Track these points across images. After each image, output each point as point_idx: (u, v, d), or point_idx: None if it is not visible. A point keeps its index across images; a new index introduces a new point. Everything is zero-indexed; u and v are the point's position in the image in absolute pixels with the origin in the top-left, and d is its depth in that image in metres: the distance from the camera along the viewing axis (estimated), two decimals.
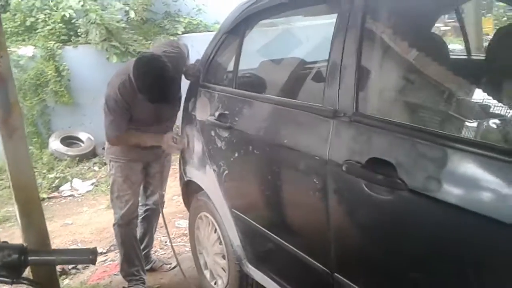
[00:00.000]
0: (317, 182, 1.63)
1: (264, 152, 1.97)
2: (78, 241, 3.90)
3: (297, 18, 1.86)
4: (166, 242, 3.70)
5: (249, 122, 2.06)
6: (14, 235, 3.49)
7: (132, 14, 6.00)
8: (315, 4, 1.87)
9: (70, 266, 3.40)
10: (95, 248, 1.05)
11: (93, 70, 5.63)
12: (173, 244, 3.17)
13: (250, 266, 2.26)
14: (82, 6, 5.49)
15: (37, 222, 2.59)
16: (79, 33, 5.86)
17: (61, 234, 4.03)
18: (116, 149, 2.74)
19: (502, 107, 1.39)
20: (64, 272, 3.29)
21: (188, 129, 2.63)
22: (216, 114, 2.29)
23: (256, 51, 2.34)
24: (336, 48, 1.61)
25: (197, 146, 2.52)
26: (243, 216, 2.19)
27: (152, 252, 3.36)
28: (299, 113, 1.79)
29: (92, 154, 5.84)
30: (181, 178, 2.87)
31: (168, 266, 3.24)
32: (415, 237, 1.34)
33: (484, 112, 1.45)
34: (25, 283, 1.07)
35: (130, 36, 5.80)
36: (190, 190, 2.79)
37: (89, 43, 5.81)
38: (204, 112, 2.42)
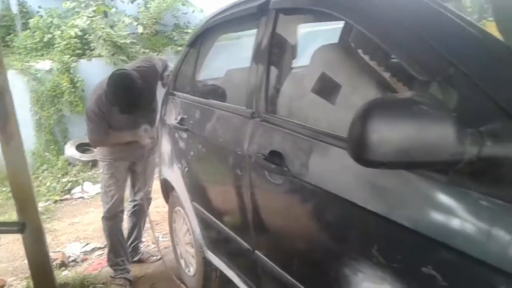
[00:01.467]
0: (239, 173, 1.92)
1: (208, 150, 2.28)
2: (81, 237, 4.28)
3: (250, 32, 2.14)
4: (158, 237, 4.04)
5: (199, 124, 2.37)
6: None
7: (140, 29, 6.41)
8: (247, 23, 2.17)
9: (70, 259, 3.79)
10: (24, 222, 1.37)
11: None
12: (165, 239, 3.49)
13: (208, 251, 2.55)
14: (89, 24, 5.93)
15: (33, 223, 2.95)
16: (92, 47, 6.33)
17: (67, 232, 4.43)
18: (103, 150, 3.09)
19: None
20: (64, 264, 3.66)
21: (163, 132, 2.96)
22: (178, 118, 2.61)
23: (210, 62, 2.66)
24: (254, 59, 1.91)
25: (167, 147, 2.85)
26: (199, 207, 2.49)
27: (143, 246, 3.70)
28: (230, 115, 2.08)
29: None
30: (159, 177, 3.19)
31: (154, 257, 3.56)
32: (300, 215, 1.61)
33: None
34: None
35: (138, 49, 6.21)
36: (167, 187, 3.11)
37: (102, 56, 6.27)
38: (171, 116, 2.75)
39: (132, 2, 6.85)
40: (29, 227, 2.88)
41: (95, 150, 3.35)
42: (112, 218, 3.15)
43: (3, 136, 2.80)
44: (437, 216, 1.06)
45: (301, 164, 1.53)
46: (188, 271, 2.99)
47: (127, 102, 2.72)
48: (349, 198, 1.32)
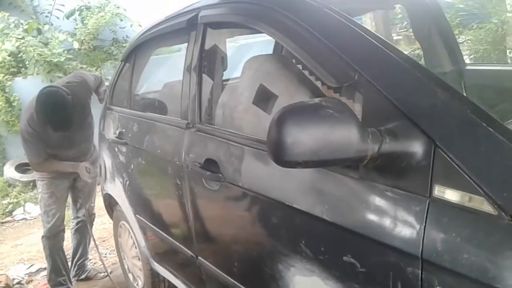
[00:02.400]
0: (179, 182, 1.97)
1: (148, 162, 2.32)
2: (25, 259, 4.15)
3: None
4: (106, 254, 4.00)
5: (138, 138, 2.40)
6: None
7: (76, 45, 6.31)
8: (178, 37, 2.24)
9: (15, 281, 3.68)
10: None
11: None
12: (113, 255, 3.45)
13: (154, 263, 2.58)
14: (18, 47, 5.78)
15: None
16: (26, 65, 6.15)
17: (10, 255, 4.29)
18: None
19: None
20: (8, 287, 3.55)
21: (101, 147, 2.95)
22: (117, 132, 2.62)
23: (147, 75, 2.70)
24: (186, 72, 1.98)
25: (108, 161, 2.85)
26: (142, 219, 2.51)
27: (90, 263, 3.65)
28: (167, 127, 2.13)
29: None
30: (101, 192, 3.18)
31: (102, 274, 3.52)
32: (236, 219, 1.69)
33: None
34: None
35: (75, 65, 6.10)
36: (110, 202, 3.10)
37: (38, 74, 6.11)
38: (109, 131, 2.76)
39: (67, 18, 6.73)
40: None
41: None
42: (53, 237, 3.11)
43: None
44: (352, 209, 1.17)
45: (234, 169, 1.61)
46: (137, 284, 2.99)
47: (59, 119, 2.69)
48: (277, 199, 1.42)
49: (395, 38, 12.37)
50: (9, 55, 6.10)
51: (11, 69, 6.19)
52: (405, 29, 11.99)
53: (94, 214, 3.44)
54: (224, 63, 1.94)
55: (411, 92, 1.11)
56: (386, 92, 1.12)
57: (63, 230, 3.16)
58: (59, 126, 2.73)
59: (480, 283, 0.88)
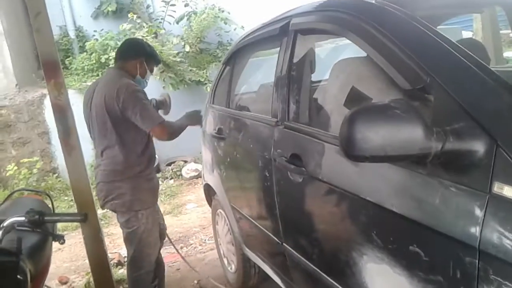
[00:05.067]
0: (267, 175, 2.17)
1: (241, 156, 2.55)
2: None
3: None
4: (205, 240, 4.35)
5: (234, 133, 2.65)
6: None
7: (187, 48, 6.83)
8: (272, 42, 2.43)
9: (126, 259, 4.15)
10: (86, 213, 1.70)
11: (150, 96, 6.50)
12: (211, 242, 3.72)
13: (246, 248, 2.81)
14: None
15: (93, 224, 3.33)
16: None
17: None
18: (146, 193, 2.64)
19: None
20: (120, 263, 4.04)
21: (204, 141, 3.25)
22: (216, 128, 2.90)
23: (246, 77, 2.93)
24: (277, 74, 2.17)
25: (208, 155, 3.14)
26: (236, 207, 2.76)
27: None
28: (259, 124, 2.34)
29: (156, 170, 6.69)
30: (202, 183, 3.49)
31: None
32: (317, 210, 1.84)
33: None
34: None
35: (186, 67, 6.61)
36: (209, 192, 3.40)
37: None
38: (210, 127, 3.05)
39: (177, 23, 7.28)
40: (89, 226, 3.29)
41: None
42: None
43: (66, 147, 3.20)
44: (419, 203, 1.27)
45: (315, 164, 1.76)
46: (230, 268, 3.26)
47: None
48: (352, 191, 1.55)
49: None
50: None
51: None
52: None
53: None
54: (312, 67, 2.09)
55: (478, 94, 1.18)
56: (454, 94, 1.20)
57: None
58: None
59: None
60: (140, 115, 2.45)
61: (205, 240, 4.36)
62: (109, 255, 3.68)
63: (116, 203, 2.66)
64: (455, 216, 1.15)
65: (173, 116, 2.87)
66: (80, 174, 3.23)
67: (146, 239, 2.65)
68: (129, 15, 6.67)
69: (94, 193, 3.44)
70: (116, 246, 4.51)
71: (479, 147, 1.10)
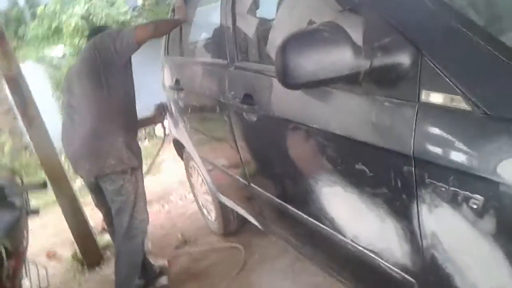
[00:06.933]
0: (226, 119, 2.18)
1: (200, 104, 2.55)
2: None
3: None
4: (185, 195, 4.41)
5: (190, 83, 2.63)
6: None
7: (139, 1, 6.62)
8: None
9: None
10: (45, 180, 1.70)
11: None
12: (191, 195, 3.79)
13: (221, 195, 2.86)
14: (87, 10, 6.17)
15: (64, 187, 3.34)
16: None
17: None
18: (137, 150, 2.61)
19: None
20: (104, 229, 4.06)
21: (166, 95, 3.22)
22: (174, 79, 2.87)
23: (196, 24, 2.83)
24: (222, 15, 2.14)
25: (171, 108, 3.12)
26: (205, 158, 2.79)
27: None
28: (211, 69, 2.33)
29: None
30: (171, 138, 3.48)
31: None
32: (273, 145, 1.88)
33: None
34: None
35: (141, 22, 6.43)
36: (179, 146, 3.41)
37: None
38: (168, 79, 3.02)
39: None
40: (64, 196, 3.30)
41: None
42: None
43: (25, 119, 3.16)
44: (358, 122, 1.30)
45: (266, 101, 1.77)
46: (210, 217, 3.32)
47: None
48: (300, 121, 1.58)
49: None
50: (81, 19, 6.55)
51: (85, 32, 6.66)
52: None
53: None
54: (256, 2, 2.06)
55: (404, 8, 1.19)
56: (382, 12, 1.21)
57: None
58: None
59: (460, 172, 1.00)
60: (120, 36, 2.40)
61: (185, 194, 4.42)
62: (92, 223, 3.71)
63: (112, 165, 2.43)
64: (391, 130, 1.18)
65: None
66: (45, 144, 3.21)
67: (138, 204, 2.54)
68: None
69: (67, 165, 3.41)
70: (97, 212, 4.53)
71: (405, 58, 1.12)
